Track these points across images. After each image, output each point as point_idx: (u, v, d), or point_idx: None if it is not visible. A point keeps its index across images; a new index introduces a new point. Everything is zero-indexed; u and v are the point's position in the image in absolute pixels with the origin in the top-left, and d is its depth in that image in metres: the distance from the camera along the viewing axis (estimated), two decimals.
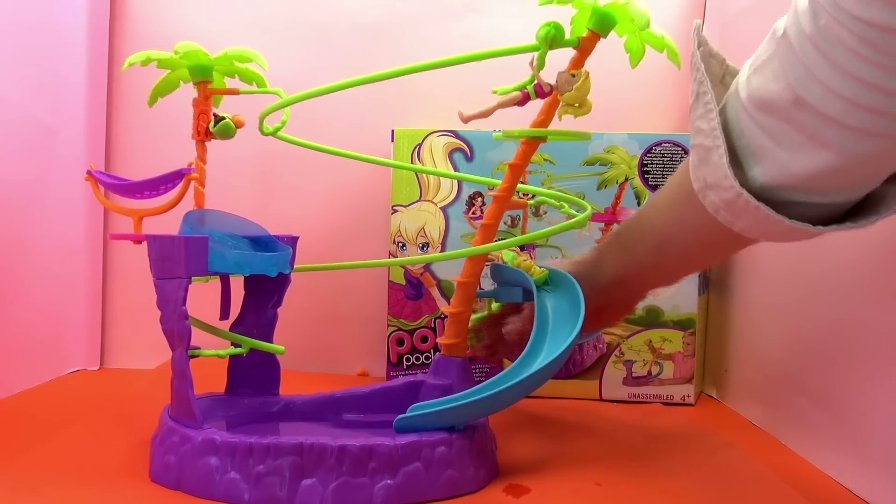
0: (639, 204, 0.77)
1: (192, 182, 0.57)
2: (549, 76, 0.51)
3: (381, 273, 0.84)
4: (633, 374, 0.77)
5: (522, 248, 0.77)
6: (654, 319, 0.77)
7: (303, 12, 0.87)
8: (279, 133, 0.61)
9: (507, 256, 0.60)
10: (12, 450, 0.55)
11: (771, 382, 0.68)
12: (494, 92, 0.51)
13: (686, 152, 0.76)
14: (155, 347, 0.65)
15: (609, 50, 0.54)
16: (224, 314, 0.58)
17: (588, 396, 0.78)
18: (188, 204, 0.57)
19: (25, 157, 0.74)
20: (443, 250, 0.79)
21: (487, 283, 0.65)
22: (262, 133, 0.61)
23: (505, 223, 0.78)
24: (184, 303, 0.50)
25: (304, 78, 0.62)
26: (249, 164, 0.86)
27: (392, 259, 0.79)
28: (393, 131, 0.80)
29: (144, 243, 0.53)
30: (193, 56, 0.58)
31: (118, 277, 0.87)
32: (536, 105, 0.53)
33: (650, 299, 0.69)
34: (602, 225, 0.77)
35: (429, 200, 0.79)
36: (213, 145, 0.60)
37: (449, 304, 0.58)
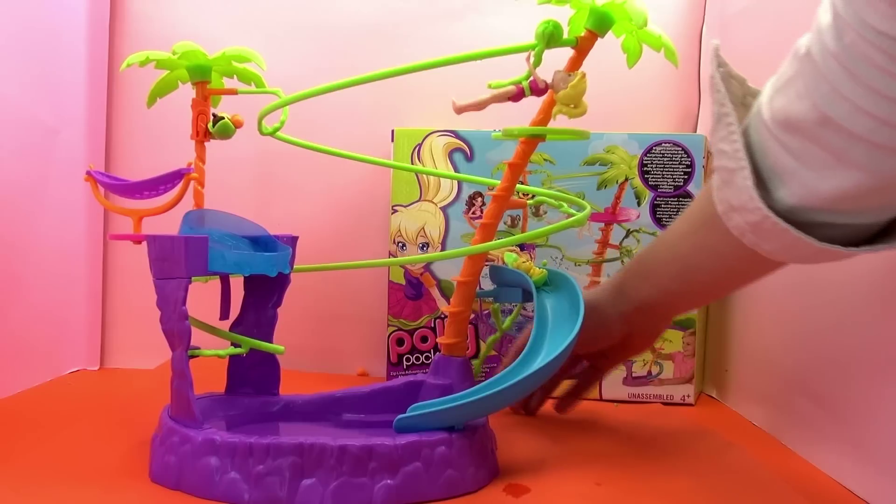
0: (639, 204, 0.77)
1: (192, 182, 0.57)
2: (546, 75, 0.51)
3: (381, 273, 0.84)
4: (633, 374, 0.77)
5: (522, 247, 0.77)
6: None
7: (302, 12, 0.87)
8: (278, 133, 0.61)
9: (509, 258, 0.60)
10: (12, 450, 0.55)
11: (771, 382, 0.68)
12: (490, 86, 0.51)
13: (686, 152, 0.76)
14: (155, 347, 0.65)
15: (609, 50, 0.54)
16: (224, 314, 0.58)
17: (588, 396, 0.78)
18: (188, 204, 0.57)
19: (25, 157, 0.74)
20: (443, 250, 0.79)
21: (487, 283, 0.65)
22: (261, 133, 0.61)
23: (505, 223, 0.78)
24: (184, 303, 0.50)
25: (304, 78, 0.62)
26: (249, 164, 0.87)
27: (392, 259, 0.79)
28: (393, 131, 0.80)
29: (144, 243, 0.53)
30: (192, 56, 0.58)
31: (118, 277, 0.87)
32: (535, 104, 0.53)
33: None
34: (602, 225, 0.77)
35: (429, 200, 0.79)
36: (212, 145, 0.60)
37: (449, 303, 0.58)
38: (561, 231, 0.61)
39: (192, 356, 0.52)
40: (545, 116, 0.53)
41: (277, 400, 0.61)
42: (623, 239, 0.77)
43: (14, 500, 0.47)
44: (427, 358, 0.80)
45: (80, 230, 0.83)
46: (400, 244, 0.80)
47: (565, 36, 0.50)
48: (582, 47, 0.51)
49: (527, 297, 0.59)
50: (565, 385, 0.70)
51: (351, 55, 0.86)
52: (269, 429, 0.58)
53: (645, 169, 0.77)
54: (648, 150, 0.77)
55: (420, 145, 0.79)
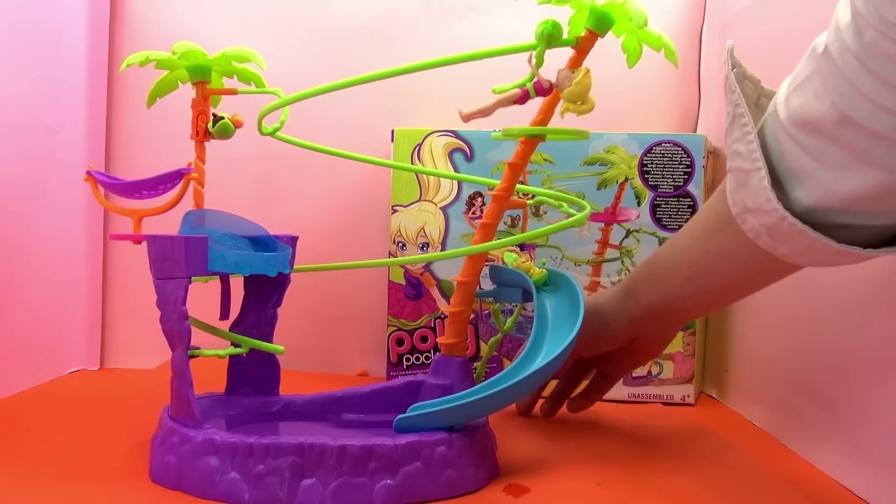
0: (639, 204, 0.77)
1: (192, 182, 0.57)
2: (548, 75, 0.51)
3: (381, 273, 0.84)
4: (633, 374, 0.77)
5: (522, 247, 0.77)
6: None
7: (302, 12, 0.87)
8: (278, 133, 0.61)
9: (509, 259, 0.60)
10: (12, 450, 0.55)
11: (771, 382, 0.68)
12: (494, 91, 0.51)
13: (686, 152, 0.76)
14: (155, 347, 0.65)
15: (609, 50, 0.54)
16: (224, 314, 0.58)
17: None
18: (188, 204, 0.57)
19: (25, 157, 0.74)
20: (443, 250, 0.79)
21: (487, 283, 0.65)
22: (261, 133, 0.61)
23: (505, 223, 0.78)
24: (184, 303, 0.50)
25: (304, 78, 0.62)
26: (249, 164, 0.87)
27: (392, 259, 0.79)
28: (393, 131, 0.80)
29: (144, 243, 0.53)
30: (192, 56, 0.58)
31: (118, 277, 0.87)
32: (535, 105, 0.53)
33: None
34: (602, 225, 0.77)
35: (429, 200, 0.79)
36: (212, 145, 0.60)
37: (449, 304, 0.58)
38: (561, 231, 0.61)
39: (192, 356, 0.52)
40: (545, 116, 0.54)
41: (277, 400, 0.61)
42: (623, 239, 0.77)
43: (14, 500, 0.47)
44: (427, 358, 0.80)
45: (80, 230, 0.83)
46: (400, 244, 0.80)
47: (565, 36, 0.50)
48: (582, 47, 0.51)
49: (527, 297, 0.59)
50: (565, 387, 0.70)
51: (351, 55, 0.86)
52: (269, 429, 0.58)
53: (645, 169, 0.77)
54: (648, 150, 0.77)
55: (420, 145, 0.79)
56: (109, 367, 0.87)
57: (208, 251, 0.51)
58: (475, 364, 0.76)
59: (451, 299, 0.56)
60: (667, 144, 0.77)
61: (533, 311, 0.57)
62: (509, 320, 0.65)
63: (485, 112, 0.50)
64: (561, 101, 0.50)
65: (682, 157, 0.76)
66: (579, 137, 0.54)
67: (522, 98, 0.51)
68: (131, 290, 0.87)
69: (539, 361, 0.52)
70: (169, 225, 0.55)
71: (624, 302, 0.60)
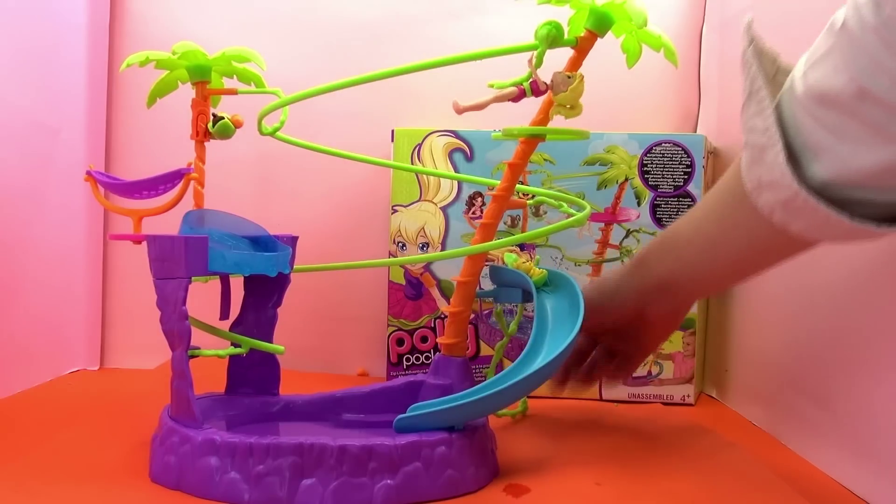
0: (639, 204, 0.77)
1: (192, 182, 0.57)
2: (546, 75, 0.51)
3: (381, 273, 0.84)
4: (633, 374, 0.77)
5: (522, 247, 0.77)
6: None
7: (302, 12, 0.87)
8: (278, 133, 0.61)
9: (509, 259, 0.60)
10: (12, 450, 0.55)
11: (771, 382, 0.68)
12: (491, 86, 0.51)
13: (686, 152, 0.76)
14: (155, 347, 0.65)
15: (609, 50, 0.54)
16: (224, 314, 0.58)
17: (588, 396, 0.78)
18: (188, 204, 0.57)
19: (25, 157, 0.74)
20: (443, 250, 0.79)
21: (487, 283, 0.65)
22: (261, 133, 0.61)
23: (505, 223, 0.78)
24: (184, 303, 0.50)
25: (304, 78, 0.62)
26: (249, 164, 0.87)
27: (392, 259, 0.79)
28: (393, 131, 0.80)
29: (144, 243, 0.53)
30: (192, 56, 0.58)
31: (118, 277, 0.87)
32: (535, 105, 0.53)
33: None
34: (602, 225, 0.77)
35: (429, 200, 0.79)
36: (212, 145, 0.60)
37: (449, 303, 0.58)
38: (561, 231, 0.61)
39: (192, 356, 0.52)
40: (545, 116, 0.54)
41: (277, 400, 0.61)
42: (623, 239, 0.77)
43: (14, 500, 0.47)
44: (427, 358, 0.80)
45: (80, 230, 0.83)
46: (400, 244, 0.80)
47: (566, 36, 0.50)
48: (582, 47, 0.52)
49: (527, 297, 0.59)
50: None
51: (351, 55, 0.86)
52: (269, 429, 0.58)
53: (645, 169, 0.77)
54: (648, 150, 0.77)
55: (420, 145, 0.79)
56: (109, 367, 0.87)
57: (208, 251, 0.51)
58: (484, 370, 0.76)
59: (451, 299, 0.56)
60: (667, 144, 0.77)
61: (533, 311, 0.57)
62: (513, 323, 0.65)
63: (479, 107, 0.50)
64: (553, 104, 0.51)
65: (682, 157, 0.76)
66: (579, 137, 0.54)
67: (518, 96, 0.51)
68: (131, 290, 0.87)
69: (539, 361, 0.52)
70: (169, 225, 0.55)
71: (634, 273, 0.60)
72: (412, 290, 0.80)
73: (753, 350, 0.73)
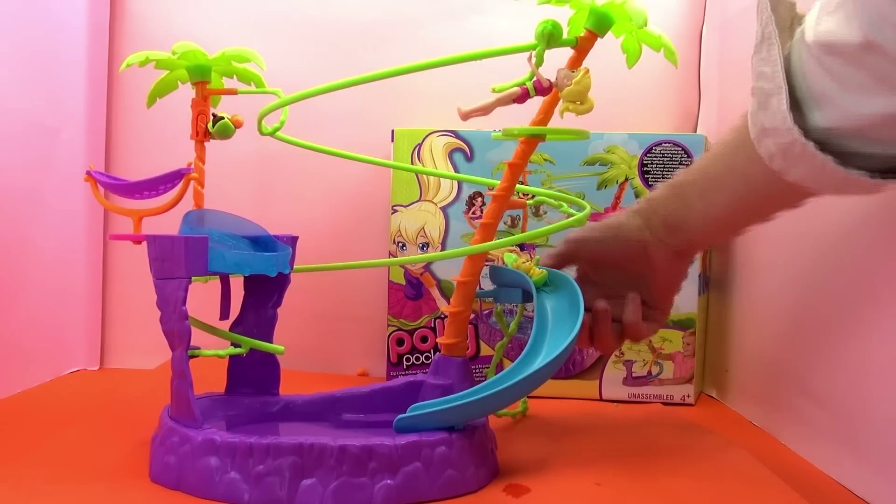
0: None
1: (192, 182, 0.57)
2: (548, 75, 0.51)
3: (381, 273, 0.84)
4: (633, 374, 0.77)
5: (522, 247, 0.77)
6: None
7: (302, 12, 0.87)
8: (278, 133, 0.61)
9: (509, 259, 0.60)
10: (12, 450, 0.55)
11: (771, 382, 0.68)
12: (493, 90, 0.51)
13: (686, 153, 0.76)
14: (155, 347, 0.65)
15: (609, 50, 0.54)
16: (224, 314, 0.58)
17: (588, 396, 0.78)
18: (188, 204, 0.57)
19: (25, 157, 0.74)
20: (443, 250, 0.79)
21: (487, 283, 0.65)
22: (261, 133, 0.61)
23: (505, 223, 0.78)
24: (184, 303, 0.50)
25: (304, 78, 0.62)
26: (249, 164, 0.87)
27: (392, 259, 0.79)
28: (393, 131, 0.80)
29: (144, 243, 0.53)
30: (191, 56, 0.58)
31: (118, 277, 0.87)
32: (535, 105, 0.53)
33: None
34: None
35: (429, 200, 0.79)
36: (212, 145, 0.60)
37: (449, 304, 0.58)
38: (561, 231, 0.61)
39: (192, 356, 0.52)
40: (545, 116, 0.54)
41: (277, 400, 0.61)
42: None
43: (14, 500, 0.47)
44: (427, 358, 0.80)
45: (80, 230, 0.83)
46: (400, 244, 0.80)
47: (565, 35, 0.50)
48: (582, 47, 0.52)
49: (527, 297, 0.59)
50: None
51: (351, 55, 0.86)
52: (269, 429, 0.58)
53: (645, 169, 0.77)
54: (648, 150, 0.77)
55: (420, 145, 0.79)
56: (109, 367, 0.87)
57: (208, 251, 0.51)
58: (484, 370, 0.76)
59: (451, 299, 0.56)
60: (667, 144, 0.77)
61: (533, 311, 0.57)
62: (513, 323, 0.65)
63: (484, 110, 0.50)
64: (560, 101, 0.50)
65: (682, 157, 0.76)
66: (579, 137, 0.54)
67: (522, 97, 0.51)
68: (131, 290, 0.87)
69: (539, 362, 0.52)
70: (169, 225, 0.55)
71: (640, 211, 0.60)
72: (412, 290, 0.80)
73: (753, 350, 0.73)
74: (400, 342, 0.80)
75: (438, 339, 0.57)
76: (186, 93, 0.60)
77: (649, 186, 0.76)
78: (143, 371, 0.83)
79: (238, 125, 0.60)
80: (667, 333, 0.77)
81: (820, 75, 0.43)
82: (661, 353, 0.77)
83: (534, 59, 0.50)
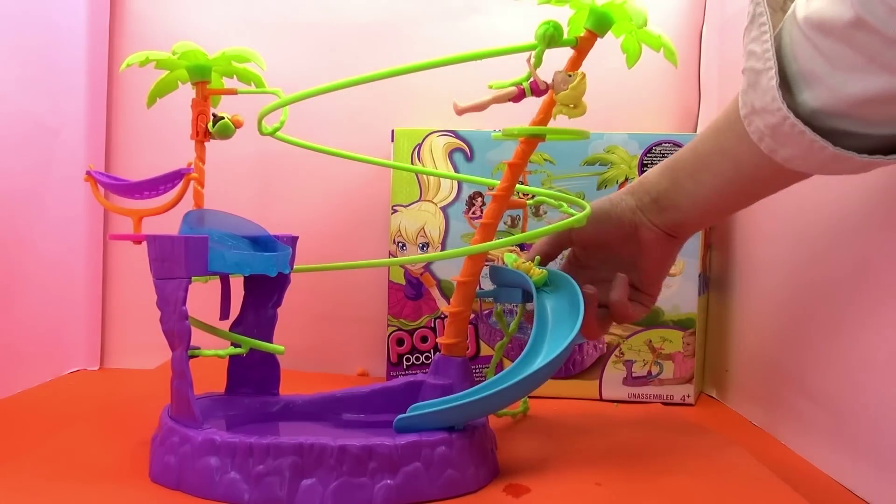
0: None
1: (192, 182, 0.57)
2: (546, 75, 0.51)
3: (381, 273, 0.84)
4: (633, 374, 0.77)
5: (522, 247, 0.77)
6: (653, 319, 0.77)
7: (302, 12, 0.87)
8: (278, 133, 0.61)
9: (509, 259, 0.60)
10: (12, 450, 0.55)
11: (771, 382, 0.68)
12: (491, 87, 0.51)
13: None
14: (155, 347, 0.65)
15: (609, 50, 0.54)
16: (224, 314, 0.58)
17: (588, 396, 0.78)
18: (188, 204, 0.57)
19: (25, 157, 0.74)
20: (443, 250, 0.79)
21: (487, 283, 0.65)
22: (261, 133, 0.61)
23: (505, 223, 0.78)
24: (184, 303, 0.50)
25: (304, 78, 0.62)
26: (249, 164, 0.87)
27: (392, 259, 0.79)
28: (393, 131, 0.80)
29: (144, 243, 0.53)
30: (192, 56, 0.58)
31: (118, 277, 0.87)
32: (535, 105, 0.53)
33: None
34: None
35: (429, 200, 0.79)
36: (212, 145, 0.60)
37: (449, 304, 0.58)
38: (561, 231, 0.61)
39: (192, 356, 0.52)
40: (545, 116, 0.53)
41: (277, 400, 0.61)
42: None
43: (14, 500, 0.47)
44: (427, 358, 0.80)
45: (80, 230, 0.83)
46: (400, 244, 0.80)
47: (565, 36, 0.50)
48: (581, 47, 0.52)
49: (527, 297, 0.59)
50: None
51: (351, 55, 0.86)
52: (269, 429, 0.58)
53: (645, 169, 0.77)
54: (648, 150, 0.77)
55: (420, 145, 0.79)
56: (109, 367, 0.87)
57: (208, 251, 0.51)
58: (484, 370, 0.76)
59: (451, 299, 0.56)
60: (667, 144, 0.77)
61: (533, 310, 0.57)
62: (513, 323, 0.65)
63: (479, 107, 0.50)
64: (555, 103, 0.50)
65: None
66: (579, 137, 0.54)
67: (518, 96, 0.51)
68: (131, 290, 0.87)
69: (539, 362, 0.52)
70: (169, 225, 0.55)
71: (633, 191, 0.60)
72: (412, 290, 0.80)
73: (753, 350, 0.73)
74: (400, 342, 0.80)
75: (438, 339, 0.57)
76: (186, 93, 0.60)
77: None
78: (143, 371, 0.83)
79: (238, 125, 0.60)
80: (667, 333, 0.77)
81: (810, 54, 0.43)
82: (661, 353, 0.77)
83: (532, 61, 0.50)
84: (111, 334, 0.87)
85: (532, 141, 0.54)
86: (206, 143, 0.60)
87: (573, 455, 0.58)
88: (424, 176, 0.79)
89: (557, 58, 0.51)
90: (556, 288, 0.58)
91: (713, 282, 0.83)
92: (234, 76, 0.61)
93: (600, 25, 0.51)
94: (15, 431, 0.60)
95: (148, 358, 0.83)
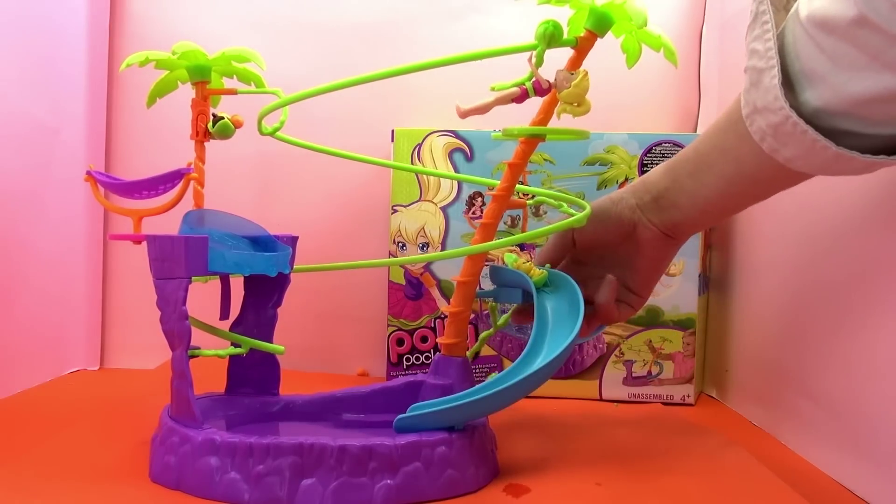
0: None
1: (192, 182, 0.57)
2: (548, 75, 0.51)
3: (381, 273, 0.84)
4: (633, 374, 0.77)
5: (522, 247, 0.77)
6: (654, 319, 0.77)
7: (302, 12, 0.87)
8: (278, 133, 0.61)
9: (509, 259, 0.60)
10: (12, 450, 0.55)
11: (771, 382, 0.68)
12: (492, 88, 0.51)
13: None
14: (155, 347, 0.65)
15: (609, 50, 0.54)
16: (224, 314, 0.58)
17: (588, 396, 0.78)
18: (188, 204, 0.57)
19: (25, 157, 0.74)
20: (443, 250, 0.79)
21: (487, 283, 0.65)
22: (261, 133, 0.61)
23: (505, 223, 0.78)
24: (184, 303, 0.50)
25: (304, 78, 0.62)
26: (249, 164, 0.87)
27: (392, 259, 0.79)
28: (393, 131, 0.80)
29: (144, 243, 0.53)
30: (191, 56, 0.58)
31: (118, 277, 0.87)
32: (535, 105, 0.53)
33: (650, 299, 0.69)
34: None
35: (429, 200, 0.79)
36: (212, 145, 0.60)
37: (449, 304, 0.58)
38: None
39: (192, 356, 0.52)
40: (545, 116, 0.53)
41: (277, 400, 0.61)
42: None
43: (14, 500, 0.47)
44: (427, 358, 0.80)
45: (79, 230, 0.83)
46: (400, 244, 0.80)
47: (565, 36, 0.50)
48: (582, 47, 0.51)
49: (527, 297, 0.59)
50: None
51: (351, 55, 0.86)
52: (269, 429, 0.58)
53: (645, 169, 0.77)
54: (648, 150, 0.77)
55: (420, 145, 0.79)
56: (109, 367, 0.87)
57: (208, 251, 0.51)
58: (484, 370, 0.76)
59: (451, 299, 0.56)
60: (667, 144, 0.77)
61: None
62: (503, 317, 0.65)
63: (482, 109, 0.50)
64: (558, 102, 0.50)
65: None
66: (579, 137, 0.54)
67: (521, 97, 0.51)
68: (131, 290, 0.87)
69: (539, 362, 0.52)
70: (169, 225, 0.55)
71: (635, 189, 0.60)
72: (412, 290, 0.80)
73: (753, 350, 0.73)
74: (400, 342, 0.80)
75: (438, 339, 0.57)
76: (186, 93, 0.60)
77: None
78: (143, 371, 0.83)
79: (238, 125, 0.60)
80: (667, 333, 0.77)
81: (813, 52, 0.43)
82: (661, 353, 0.77)
83: (534, 60, 0.50)
84: (111, 334, 0.87)
85: (532, 141, 0.54)
86: (205, 143, 0.60)
87: (573, 455, 0.58)
88: (424, 176, 0.79)
89: (560, 57, 0.51)
90: (556, 288, 0.58)
91: (713, 282, 0.83)
92: (234, 76, 0.61)
93: (600, 25, 0.51)
94: (15, 431, 0.60)
95: (148, 358, 0.83)
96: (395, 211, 0.80)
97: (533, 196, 0.70)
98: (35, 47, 0.75)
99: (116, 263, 0.87)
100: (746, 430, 0.68)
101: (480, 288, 0.59)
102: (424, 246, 0.80)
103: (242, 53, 0.59)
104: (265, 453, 0.48)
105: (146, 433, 0.55)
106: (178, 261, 0.50)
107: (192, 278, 0.51)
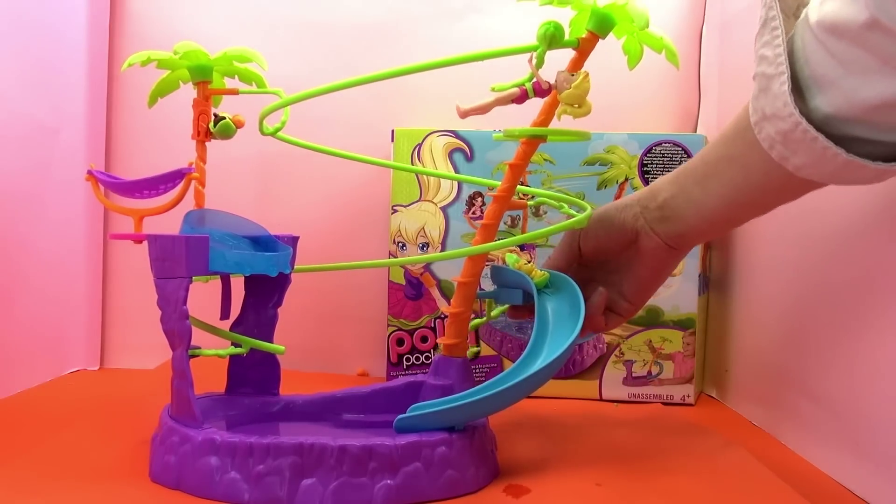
0: None
1: (193, 182, 0.57)
2: (549, 76, 0.51)
3: (381, 273, 0.84)
4: (633, 374, 0.77)
5: (522, 248, 0.77)
6: (653, 319, 0.77)
7: (303, 12, 0.87)
8: (279, 133, 0.61)
9: (510, 259, 0.60)
10: (12, 450, 0.55)
11: (771, 382, 0.68)
12: (493, 89, 0.51)
13: (686, 153, 0.76)
14: (155, 347, 0.65)
15: (610, 50, 0.54)
16: (224, 314, 0.58)
17: (588, 396, 0.78)
18: (188, 204, 0.57)
19: (25, 156, 0.74)
20: (443, 250, 0.79)
21: (487, 284, 0.65)
22: (262, 133, 0.61)
23: (505, 223, 0.78)
24: (184, 302, 0.51)
25: (304, 78, 0.62)
26: (250, 164, 0.87)
27: (392, 259, 0.79)
28: (393, 131, 0.80)
29: (145, 243, 0.53)
30: (193, 56, 0.58)
31: (118, 277, 0.87)
32: (536, 105, 0.53)
33: (650, 299, 0.69)
34: None
35: (429, 200, 0.80)
36: (213, 145, 0.60)
37: (449, 304, 0.58)
38: (561, 232, 0.61)
39: (193, 356, 0.52)
40: (546, 117, 0.54)
41: (277, 400, 0.61)
42: None
43: (14, 500, 0.47)
44: (427, 358, 0.80)
45: (80, 230, 0.83)
46: (400, 244, 0.80)
47: (567, 37, 0.50)
48: (583, 49, 0.51)
49: (527, 298, 0.59)
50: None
51: (351, 55, 0.86)
52: (269, 429, 0.58)
53: (645, 169, 0.77)
54: (648, 150, 0.77)
55: (420, 145, 0.79)
56: (109, 367, 0.87)
57: (209, 251, 0.51)
58: (484, 370, 0.76)
59: (452, 300, 0.56)
60: (667, 144, 0.77)
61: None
62: (497, 310, 0.64)
63: (482, 109, 0.50)
64: (559, 103, 0.50)
65: (682, 158, 0.76)
66: (580, 138, 0.54)
67: (521, 98, 0.51)
68: (131, 290, 0.87)
69: (539, 363, 0.52)
70: (169, 225, 0.55)
71: (641, 197, 0.59)
72: (412, 290, 0.80)
73: (753, 350, 0.73)
74: (400, 342, 0.80)
75: (439, 340, 0.57)
76: (187, 93, 0.60)
77: None
78: (143, 371, 0.83)
79: (239, 125, 0.60)
80: (667, 333, 0.77)
81: (823, 58, 0.42)
82: (661, 353, 0.77)
83: (534, 61, 0.50)
84: (111, 334, 0.87)
85: (533, 142, 0.54)
86: (207, 143, 0.60)
87: (573, 455, 0.59)
88: (424, 176, 0.79)
89: (561, 58, 0.51)
90: (556, 289, 0.58)
91: (713, 282, 0.83)
92: (236, 76, 0.61)
93: (602, 27, 0.51)
94: (15, 431, 0.60)
95: (148, 358, 0.83)
96: (395, 211, 0.80)
97: (533, 197, 0.70)
98: (35, 47, 0.75)
99: (116, 263, 0.87)
100: (746, 430, 0.68)
101: (481, 288, 0.59)
102: (424, 246, 0.80)
103: (244, 53, 0.59)
104: (265, 453, 0.48)
105: (146, 433, 0.56)
106: (178, 260, 0.50)
107: (193, 278, 0.51)
